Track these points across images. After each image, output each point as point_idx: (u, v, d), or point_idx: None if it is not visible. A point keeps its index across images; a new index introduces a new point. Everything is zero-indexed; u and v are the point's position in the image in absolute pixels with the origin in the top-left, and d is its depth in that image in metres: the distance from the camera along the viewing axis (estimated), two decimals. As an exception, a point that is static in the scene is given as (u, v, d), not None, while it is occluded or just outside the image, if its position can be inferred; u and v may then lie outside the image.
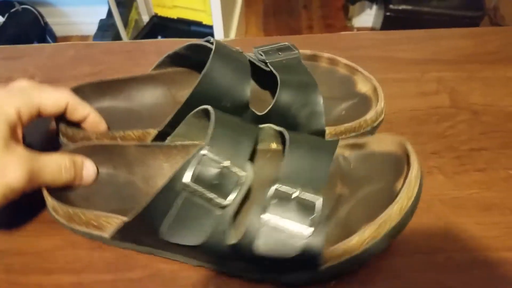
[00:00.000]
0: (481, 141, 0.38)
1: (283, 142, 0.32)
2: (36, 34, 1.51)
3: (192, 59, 0.37)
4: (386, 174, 0.29)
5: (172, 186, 0.27)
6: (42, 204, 0.31)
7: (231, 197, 0.27)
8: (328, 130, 0.34)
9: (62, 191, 0.31)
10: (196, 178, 0.26)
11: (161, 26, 1.49)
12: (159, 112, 0.38)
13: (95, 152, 0.32)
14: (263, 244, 0.26)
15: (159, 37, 1.50)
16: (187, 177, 0.26)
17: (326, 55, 0.40)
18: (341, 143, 0.32)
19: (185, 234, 0.27)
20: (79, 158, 0.32)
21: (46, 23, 1.55)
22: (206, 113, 0.30)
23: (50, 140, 0.38)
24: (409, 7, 1.47)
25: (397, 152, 0.30)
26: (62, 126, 0.34)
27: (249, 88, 0.33)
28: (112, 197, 0.32)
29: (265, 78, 0.37)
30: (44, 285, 0.30)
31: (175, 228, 0.27)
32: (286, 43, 0.39)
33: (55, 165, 0.30)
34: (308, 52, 0.40)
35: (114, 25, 1.42)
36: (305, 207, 0.27)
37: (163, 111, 0.38)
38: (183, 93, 0.39)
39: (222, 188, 0.27)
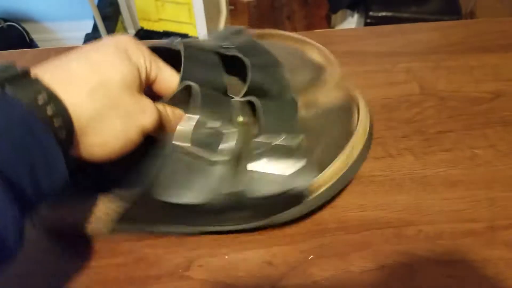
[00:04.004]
0: (448, 124, 0.41)
1: (249, 113, 0.34)
2: (22, 51, 1.52)
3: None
4: (341, 118, 0.34)
5: (164, 149, 0.29)
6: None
7: (224, 152, 0.29)
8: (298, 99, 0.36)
9: None
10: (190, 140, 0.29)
11: (147, 40, 1.51)
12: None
13: None
14: (257, 186, 0.29)
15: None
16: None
17: (274, 31, 0.42)
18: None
19: (184, 193, 0.29)
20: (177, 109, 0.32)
21: (31, 40, 1.57)
22: (188, 89, 0.32)
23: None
24: (388, 14, 1.51)
25: (344, 100, 0.34)
26: None
27: (224, 79, 0.35)
28: None
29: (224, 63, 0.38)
30: (30, 274, 0.31)
31: (174, 188, 0.29)
32: (239, 26, 0.40)
33: (162, 108, 0.30)
34: (258, 31, 0.41)
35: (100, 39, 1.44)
36: (286, 150, 0.30)
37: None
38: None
39: (214, 147, 0.29)
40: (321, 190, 0.31)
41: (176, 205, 0.29)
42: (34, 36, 1.61)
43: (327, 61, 0.39)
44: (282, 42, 0.42)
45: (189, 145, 0.29)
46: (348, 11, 1.76)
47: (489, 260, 0.31)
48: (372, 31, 0.52)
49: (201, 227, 0.32)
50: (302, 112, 0.35)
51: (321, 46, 0.40)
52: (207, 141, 0.29)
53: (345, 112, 0.34)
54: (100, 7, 1.47)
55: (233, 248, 0.32)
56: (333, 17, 1.82)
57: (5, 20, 1.51)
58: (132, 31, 1.64)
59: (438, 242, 0.32)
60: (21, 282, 0.31)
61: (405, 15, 1.50)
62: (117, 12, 1.55)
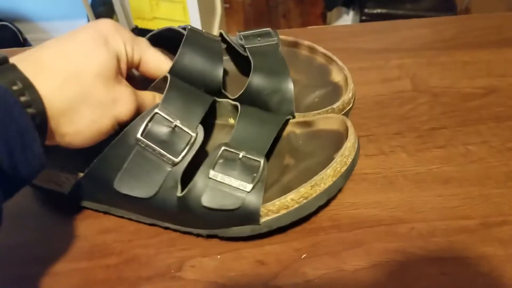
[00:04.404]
0: (441, 121, 0.40)
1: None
2: (16, 51, 1.51)
3: (170, 42, 0.38)
4: (328, 148, 0.32)
5: (125, 140, 0.28)
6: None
7: (182, 154, 0.29)
8: (298, 116, 0.36)
9: None
10: (148, 134, 0.28)
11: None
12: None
13: None
14: (208, 196, 0.29)
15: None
16: (139, 132, 0.28)
17: (306, 43, 0.41)
18: (293, 121, 0.35)
19: (136, 186, 0.29)
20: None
21: (25, 39, 1.55)
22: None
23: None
24: (383, 11, 1.51)
25: (340, 129, 0.33)
26: None
27: (221, 74, 0.34)
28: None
29: (245, 63, 0.38)
30: (23, 277, 0.31)
31: (127, 180, 0.29)
32: (268, 29, 0.40)
33: (151, 97, 0.31)
34: (289, 38, 0.41)
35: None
36: (249, 167, 0.29)
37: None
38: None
39: (173, 145, 0.29)
40: (276, 215, 0.30)
41: (130, 196, 0.29)
42: (28, 36, 1.59)
43: (345, 84, 0.38)
44: (311, 55, 0.41)
45: (141, 138, 0.28)
46: (344, 9, 1.75)
47: (482, 257, 0.31)
48: (365, 28, 0.51)
49: (156, 220, 0.33)
50: (296, 130, 0.35)
51: (344, 67, 0.38)
52: (168, 140, 0.29)
53: (333, 142, 0.32)
54: (93, 6, 1.46)
55: (225, 247, 0.32)
56: (329, 14, 1.81)
57: (-2, 20, 1.50)
58: (127, 30, 1.63)
59: (431, 239, 0.32)
60: (13, 284, 0.30)
61: (400, 12, 1.50)
62: (111, 11, 1.54)
